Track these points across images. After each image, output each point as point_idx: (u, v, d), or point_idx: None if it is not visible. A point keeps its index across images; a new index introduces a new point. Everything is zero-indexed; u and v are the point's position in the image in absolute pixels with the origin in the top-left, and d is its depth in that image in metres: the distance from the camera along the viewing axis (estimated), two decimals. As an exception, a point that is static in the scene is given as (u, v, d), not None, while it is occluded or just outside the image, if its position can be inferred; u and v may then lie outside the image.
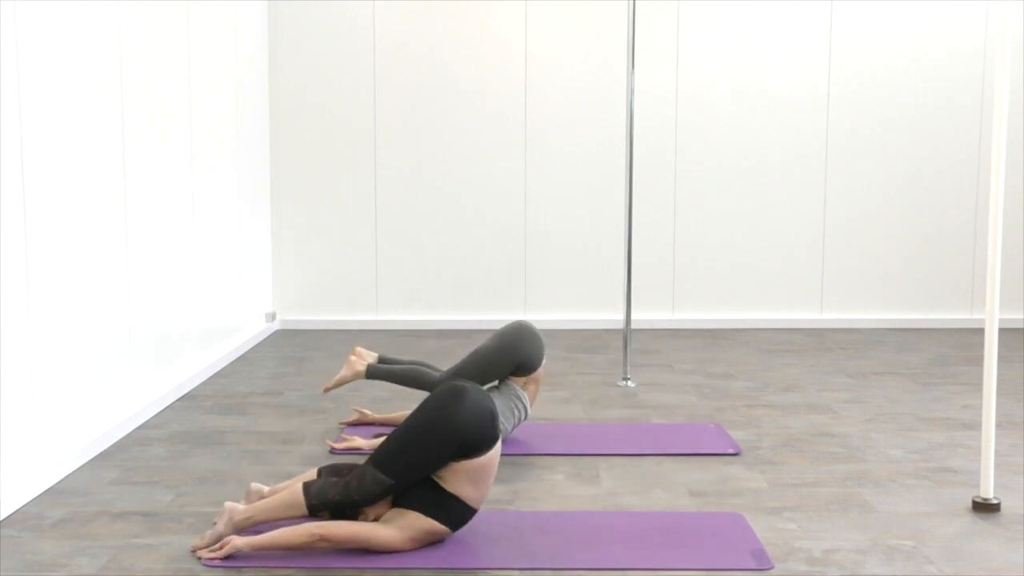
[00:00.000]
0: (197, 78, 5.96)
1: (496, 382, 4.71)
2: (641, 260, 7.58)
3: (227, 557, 3.34)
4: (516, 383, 4.71)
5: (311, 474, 3.63)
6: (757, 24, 7.71)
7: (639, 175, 7.33)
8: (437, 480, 3.43)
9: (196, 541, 3.48)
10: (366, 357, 4.89)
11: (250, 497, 3.68)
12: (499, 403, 4.63)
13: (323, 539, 3.35)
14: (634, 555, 3.41)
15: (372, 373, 4.81)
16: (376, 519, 3.48)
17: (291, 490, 3.47)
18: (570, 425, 5.00)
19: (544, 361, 4.85)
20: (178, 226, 5.66)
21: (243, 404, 5.47)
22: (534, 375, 4.74)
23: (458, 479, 3.42)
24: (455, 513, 3.44)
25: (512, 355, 4.66)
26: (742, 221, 7.83)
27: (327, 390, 4.91)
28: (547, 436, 4.81)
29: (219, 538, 3.43)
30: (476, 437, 3.41)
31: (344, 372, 4.85)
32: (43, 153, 4.08)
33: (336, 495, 3.42)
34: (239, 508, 3.48)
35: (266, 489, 3.70)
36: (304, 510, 3.44)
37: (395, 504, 3.50)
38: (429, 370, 4.76)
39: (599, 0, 7.63)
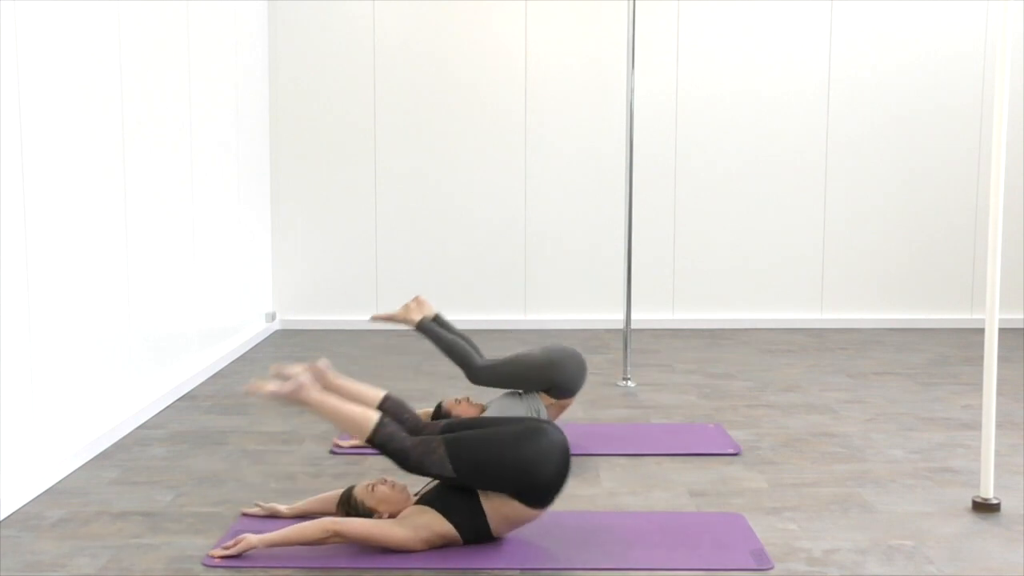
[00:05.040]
0: (197, 78, 5.96)
1: (522, 391, 4.67)
2: (641, 260, 7.58)
3: (240, 554, 3.33)
4: (543, 400, 4.67)
5: (378, 395, 3.58)
6: (757, 24, 7.70)
7: (639, 175, 7.32)
8: (481, 495, 3.40)
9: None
10: (425, 309, 4.77)
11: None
12: (518, 410, 4.60)
13: (337, 535, 3.35)
14: (634, 555, 3.41)
15: (422, 327, 4.71)
16: (392, 516, 3.46)
17: (364, 413, 3.37)
18: (570, 425, 4.99)
19: (577, 395, 4.81)
20: (178, 226, 5.66)
21: (243, 404, 5.46)
22: (562, 402, 4.70)
23: (501, 510, 3.40)
24: (477, 531, 3.42)
25: (553, 373, 4.61)
26: (742, 221, 7.83)
27: (375, 318, 4.77)
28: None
29: (298, 387, 3.38)
30: (547, 496, 3.40)
31: (398, 312, 4.76)
32: (43, 153, 4.08)
33: (397, 449, 3.35)
34: (312, 387, 3.40)
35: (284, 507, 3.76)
36: (366, 434, 3.35)
37: (419, 501, 3.48)
38: (473, 351, 4.70)
39: (599, 0, 7.63)
